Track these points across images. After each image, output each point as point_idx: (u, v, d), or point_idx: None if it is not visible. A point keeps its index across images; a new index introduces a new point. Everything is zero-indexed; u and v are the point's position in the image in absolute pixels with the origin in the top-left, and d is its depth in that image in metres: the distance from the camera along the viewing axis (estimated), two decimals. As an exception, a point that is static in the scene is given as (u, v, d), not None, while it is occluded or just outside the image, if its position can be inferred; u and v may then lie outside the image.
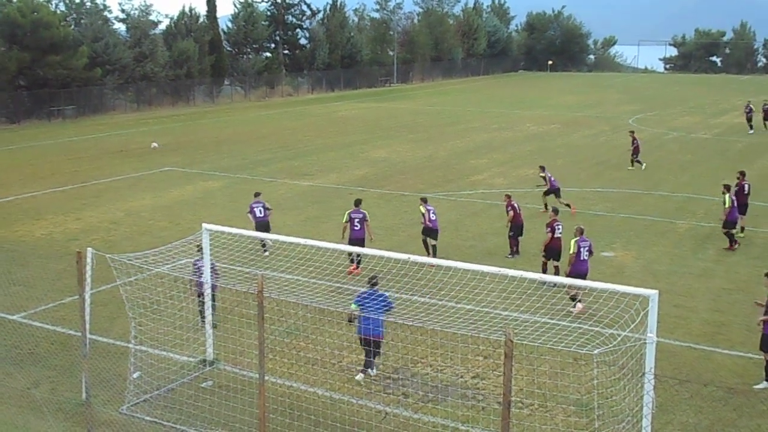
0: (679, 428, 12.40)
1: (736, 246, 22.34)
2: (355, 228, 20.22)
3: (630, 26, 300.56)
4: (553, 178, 27.19)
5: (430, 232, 21.53)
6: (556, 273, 18.73)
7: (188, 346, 14.43)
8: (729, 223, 22.48)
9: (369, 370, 14.07)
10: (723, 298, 18.56)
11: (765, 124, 47.03)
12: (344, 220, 20.54)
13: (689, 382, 13.65)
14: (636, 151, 35.84)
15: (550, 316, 15.34)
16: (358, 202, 21.06)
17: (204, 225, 14.53)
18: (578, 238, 17.63)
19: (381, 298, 13.93)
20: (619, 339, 11.05)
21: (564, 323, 14.60)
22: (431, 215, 21.45)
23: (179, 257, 15.57)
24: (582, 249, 17.48)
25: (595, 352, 10.68)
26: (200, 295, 15.19)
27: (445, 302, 15.75)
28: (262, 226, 21.49)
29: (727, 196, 22.35)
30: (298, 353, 14.58)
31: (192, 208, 28.51)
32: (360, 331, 13.73)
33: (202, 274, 14.86)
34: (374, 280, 14.21)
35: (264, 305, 10.63)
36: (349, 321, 14.25)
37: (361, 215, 20.38)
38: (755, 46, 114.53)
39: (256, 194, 23.01)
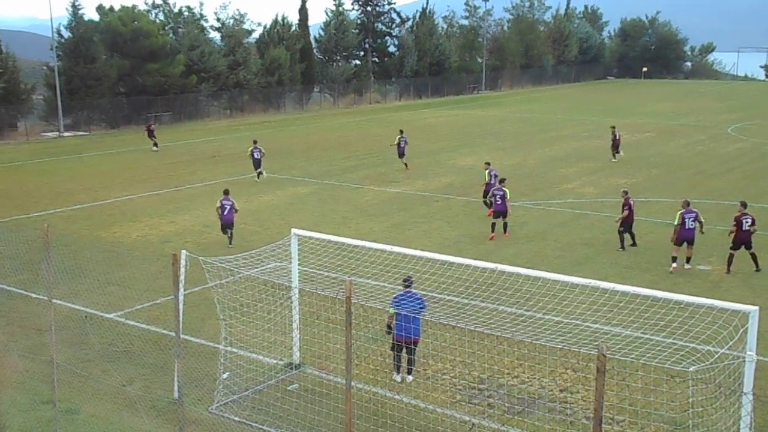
0: (780, 452, 11.84)
1: None
2: (225, 212, 24.09)
3: (729, 32, 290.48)
4: (493, 177, 27.82)
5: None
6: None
7: (275, 348, 14.65)
8: None
9: (397, 375, 14.03)
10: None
11: None
12: (217, 206, 24.40)
13: (792, 404, 12.99)
14: (616, 145, 39.99)
15: (642, 331, 14.90)
16: (226, 192, 24.66)
17: (293, 230, 14.73)
18: (683, 210, 20.99)
19: (415, 298, 13.94)
20: (717, 356, 10.62)
21: (657, 338, 14.15)
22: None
23: (268, 261, 15.83)
24: (687, 219, 20.89)
25: (691, 369, 10.29)
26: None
27: (532, 313, 15.51)
28: (228, 224, 24.26)
29: None
30: (384, 359, 14.60)
31: (281, 213, 29.01)
32: (399, 331, 13.61)
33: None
34: (408, 281, 14.17)
35: (351, 311, 10.68)
36: (388, 330, 14.08)
37: (230, 203, 24.14)
38: None
39: (225, 192, 24.88)
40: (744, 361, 9.94)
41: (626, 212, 22.99)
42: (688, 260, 21.17)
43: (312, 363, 14.70)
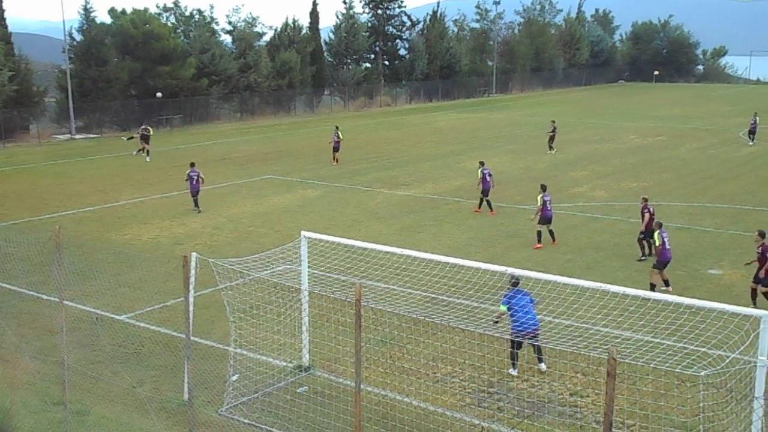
0: (792, 458, 11.76)
1: None
2: (193, 183, 29.29)
3: (742, 36, 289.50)
4: (488, 178, 28.74)
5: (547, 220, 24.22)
6: None
7: (285, 351, 14.68)
8: None
9: (514, 370, 14.42)
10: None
11: None
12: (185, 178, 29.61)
13: (804, 409, 12.91)
14: (552, 138, 43.25)
15: (653, 335, 14.85)
16: (192, 164, 29.80)
17: (303, 232, 14.76)
18: (659, 230, 19.28)
19: (525, 293, 14.28)
20: (728, 361, 10.59)
21: (668, 342, 14.09)
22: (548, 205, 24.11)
23: (278, 263, 15.87)
24: (665, 239, 19.22)
25: (702, 373, 10.25)
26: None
27: (542, 316, 15.46)
28: (196, 193, 29.42)
29: None
30: (393, 362, 14.61)
31: (291, 215, 29.06)
32: (519, 327, 14.01)
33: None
34: (515, 280, 14.30)
35: (360, 313, 10.70)
36: (495, 322, 14.59)
37: (196, 173, 29.20)
38: None
39: (192, 164, 30.04)
40: (755, 365, 9.88)
41: (647, 217, 22.05)
42: (666, 282, 19.42)
43: (322, 366, 14.71)
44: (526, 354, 14.71)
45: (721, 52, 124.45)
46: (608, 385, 7.55)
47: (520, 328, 14.05)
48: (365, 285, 17.84)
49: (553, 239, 24.30)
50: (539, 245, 23.86)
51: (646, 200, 23.04)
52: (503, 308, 14.29)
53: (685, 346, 12.54)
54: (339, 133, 42.08)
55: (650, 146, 47.34)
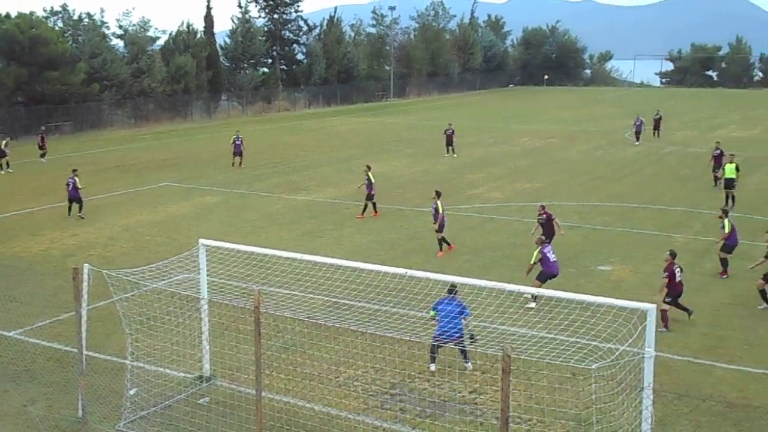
0: (678, 443, 12.35)
1: (725, 276, 20.98)
2: (69, 189, 29.01)
3: (626, 41, 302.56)
4: (372, 182, 28.90)
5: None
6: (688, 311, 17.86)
7: (185, 362, 14.35)
8: (728, 247, 21.15)
9: (432, 365, 14.65)
10: (722, 312, 18.53)
11: (654, 133, 51.26)
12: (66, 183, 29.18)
13: (688, 396, 13.59)
14: (449, 140, 44.63)
15: (547, 331, 15.29)
16: (74, 171, 29.85)
17: (201, 240, 14.48)
18: (540, 247, 18.96)
19: (456, 303, 14.36)
20: (618, 353, 10.99)
21: (562, 338, 14.55)
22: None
23: (176, 272, 15.52)
24: (548, 254, 18.82)
25: (594, 366, 10.61)
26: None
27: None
28: (71, 200, 29.08)
29: (726, 221, 21.21)
30: (295, 369, 14.51)
31: (189, 223, 28.48)
32: (439, 333, 14.25)
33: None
34: (451, 287, 14.44)
35: (261, 321, 10.58)
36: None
37: (73, 180, 28.99)
38: (751, 61, 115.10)
39: (74, 170, 29.94)
40: (643, 357, 10.31)
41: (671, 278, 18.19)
42: (534, 297, 18.31)
43: (223, 375, 14.47)
44: (427, 354, 14.88)
45: (606, 57, 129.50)
46: (504, 381, 7.74)
47: (439, 334, 14.26)
48: (266, 292, 17.67)
49: (448, 245, 24.25)
50: (443, 253, 23.69)
51: (543, 207, 22.78)
52: (432, 313, 14.58)
53: (578, 340, 12.97)
54: (239, 137, 42.14)
55: (542, 148, 48.81)
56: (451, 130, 45.23)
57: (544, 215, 22.52)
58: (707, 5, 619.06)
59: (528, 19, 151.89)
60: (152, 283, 14.88)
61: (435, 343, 14.43)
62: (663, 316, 17.03)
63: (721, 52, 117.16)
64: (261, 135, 58.12)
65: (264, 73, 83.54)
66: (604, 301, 11.18)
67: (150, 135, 59.66)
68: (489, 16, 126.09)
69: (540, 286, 18.32)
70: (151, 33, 72.06)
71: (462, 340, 14.43)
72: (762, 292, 18.63)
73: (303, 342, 15.15)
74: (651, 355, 10.26)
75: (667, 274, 17.40)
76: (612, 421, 10.98)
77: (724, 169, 30.28)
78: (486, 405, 13.47)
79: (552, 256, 18.94)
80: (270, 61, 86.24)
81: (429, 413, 13.20)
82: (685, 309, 17.73)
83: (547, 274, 18.77)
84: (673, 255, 17.68)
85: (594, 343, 12.19)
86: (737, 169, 30.14)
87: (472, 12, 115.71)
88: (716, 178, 33.67)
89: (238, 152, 41.65)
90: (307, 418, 12.70)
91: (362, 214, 28.92)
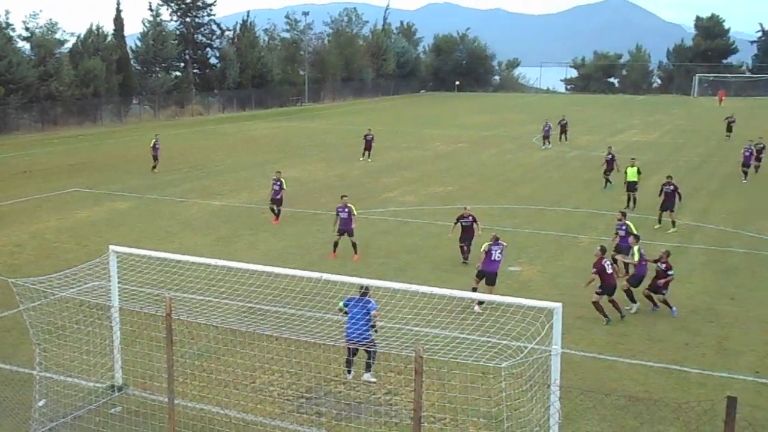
0: (584, 436, 12.72)
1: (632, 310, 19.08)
2: None
3: (533, 49, 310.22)
4: (276, 187, 28.51)
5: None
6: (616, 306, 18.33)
7: (95, 371, 13.92)
8: (635, 279, 19.31)
9: (348, 374, 14.43)
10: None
11: (561, 137, 52.95)
12: None
13: (593, 392, 14.02)
14: (368, 146, 44.93)
15: (459, 331, 15.53)
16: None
17: (111, 247, 14.09)
18: (492, 242, 19.05)
19: (364, 303, 14.15)
20: (526, 351, 11.25)
21: (473, 337, 14.81)
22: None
23: (86, 280, 15.05)
24: (494, 251, 18.95)
25: (503, 365, 10.84)
26: None
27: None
28: None
29: (636, 248, 19.43)
30: (210, 375, 14.27)
31: (100, 229, 27.64)
32: (347, 333, 14.16)
33: None
34: (364, 290, 14.26)
35: (173, 328, 10.38)
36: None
37: None
38: (650, 68, 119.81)
39: None
40: (550, 354, 10.59)
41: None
42: (480, 303, 17.81)
43: (136, 384, 14.10)
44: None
45: (514, 64, 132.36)
46: (416, 381, 7.82)
47: (346, 334, 14.24)
48: (180, 298, 17.31)
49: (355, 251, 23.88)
50: (358, 256, 23.65)
51: (466, 209, 23.11)
52: (340, 305, 14.51)
53: (489, 339, 13.22)
54: (157, 142, 41.45)
55: (454, 152, 49.52)
56: (371, 136, 45.47)
57: (470, 217, 23.02)
58: (609, 14, 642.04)
59: (439, 26, 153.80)
60: (61, 292, 14.39)
61: (349, 347, 14.32)
62: (597, 308, 18.01)
63: (622, 60, 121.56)
64: (174, 139, 56.90)
65: (177, 76, 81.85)
66: (513, 301, 11.45)
67: (58, 140, 57.64)
68: (401, 22, 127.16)
69: (477, 283, 18.99)
70: (59, 35, 69.50)
71: (369, 344, 14.25)
72: (628, 292, 18.97)
73: (218, 348, 14.91)
74: (557, 353, 10.55)
75: (595, 270, 18.02)
76: (521, 417, 11.23)
77: (626, 172, 31.39)
78: (401, 405, 13.57)
79: (496, 255, 19.08)
80: (183, 64, 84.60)
81: (345, 416, 13.20)
82: (613, 310, 18.23)
83: (481, 272, 19.02)
84: (603, 250, 18.35)
85: (504, 342, 12.44)
86: (639, 172, 31.29)
87: (385, 18, 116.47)
88: (607, 181, 35.73)
89: (154, 156, 40.98)
90: (222, 425, 12.50)
91: (276, 218, 28.70)
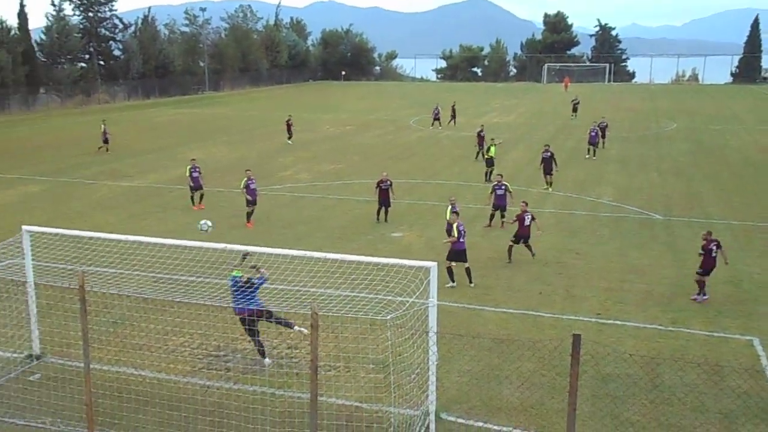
0: (458, 375, 13.15)
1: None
2: None
3: (408, 42, 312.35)
4: (195, 174, 26.60)
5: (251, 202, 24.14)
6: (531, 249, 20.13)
7: (13, 342, 13.22)
8: (454, 253, 18.05)
9: (266, 358, 13.36)
10: (489, 266, 19.82)
11: (451, 121, 53.14)
12: None
13: (463, 336, 14.48)
14: (289, 131, 44.44)
15: (351, 290, 15.62)
16: None
17: (23, 227, 13.32)
18: (457, 222, 18.00)
19: (236, 280, 13.12)
20: (408, 305, 11.48)
21: (362, 295, 14.93)
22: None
23: (1, 259, 14.18)
24: (461, 230, 17.87)
25: (388, 317, 11.02)
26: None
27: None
28: None
29: (455, 225, 18.05)
30: (124, 341, 13.82)
31: (12, 212, 26.01)
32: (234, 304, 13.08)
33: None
34: (246, 255, 13.19)
35: (88, 299, 9.97)
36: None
37: None
38: (507, 59, 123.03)
39: None
40: (428, 306, 10.85)
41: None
42: (451, 276, 18.01)
43: (54, 352, 13.47)
44: (249, 317, 14.71)
45: (392, 56, 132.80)
46: (312, 335, 7.84)
47: (239, 310, 13.17)
48: (93, 272, 16.62)
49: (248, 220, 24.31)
50: (250, 224, 23.97)
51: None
52: (228, 282, 13.42)
53: (376, 296, 13.38)
54: (105, 127, 41.09)
55: (342, 134, 49.42)
56: (291, 121, 45.29)
57: (387, 181, 24.39)
58: (472, 12, 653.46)
59: (325, 22, 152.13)
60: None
61: (248, 328, 13.15)
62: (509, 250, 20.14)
63: (483, 52, 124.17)
64: (82, 126, 54.10)
65: (82, 68, 77.52)
66: (396, 262, 11.62)
67: (-33, 128, 53.67)
68: (292, 18, 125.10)
69: (449, 266, 17.98)
70: (-37, 29, 64.54)
71: (252, 323, 13.15)
72: (509, 249, 20.16)
73: (132, 316, 14.46)
74: (434, 305, 10.83)
75: (514, 219, 20.20)
76: (404, 362, 11.48)
77: (489, 149, 32.26)
78: (302, 357, 13.58)
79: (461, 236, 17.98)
80: (87, 56, 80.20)
81: (251, 369, 13.09)
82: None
83: (452, 251, 17.98)
84: (525, 203, 20.30)
85: (389, 297, 12.63)
86: (494, 149, 32.32)
87: (277, 15, 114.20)
88: (479, 152, 37.03)
89: (104, 140, 40.41)
90: (137, 384, 12.15)
91: (201, 203, 26.95)
